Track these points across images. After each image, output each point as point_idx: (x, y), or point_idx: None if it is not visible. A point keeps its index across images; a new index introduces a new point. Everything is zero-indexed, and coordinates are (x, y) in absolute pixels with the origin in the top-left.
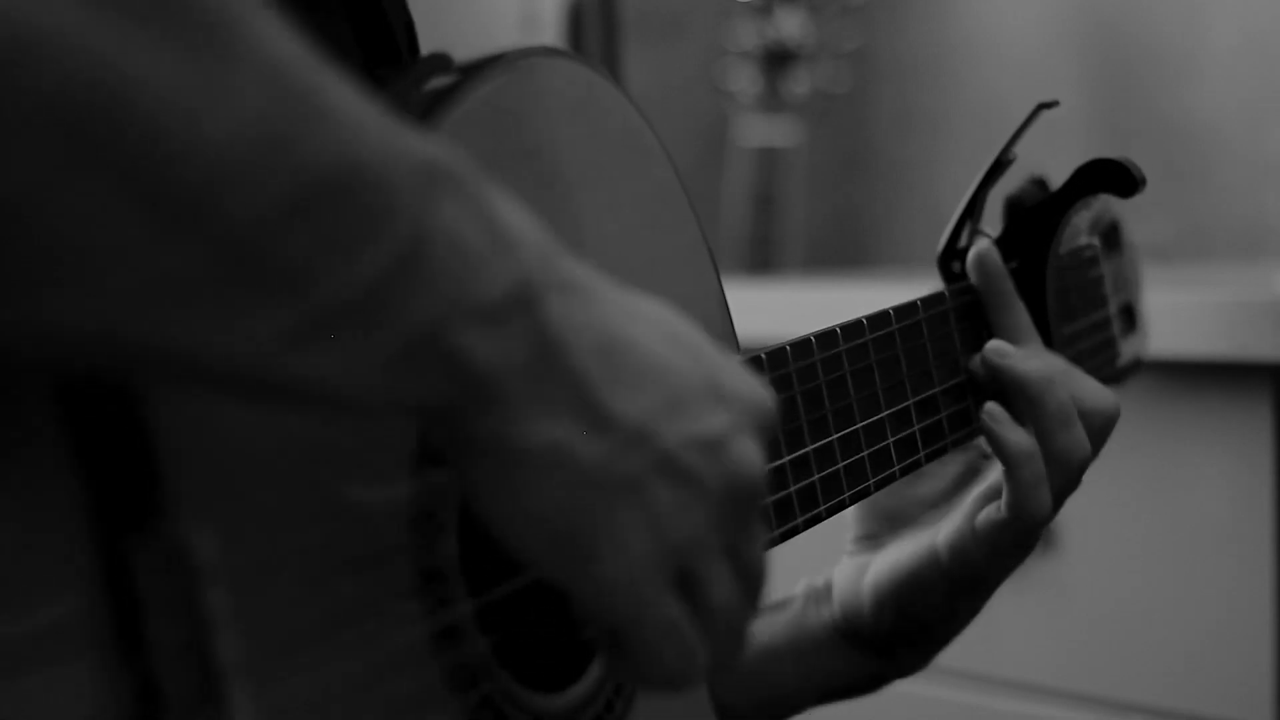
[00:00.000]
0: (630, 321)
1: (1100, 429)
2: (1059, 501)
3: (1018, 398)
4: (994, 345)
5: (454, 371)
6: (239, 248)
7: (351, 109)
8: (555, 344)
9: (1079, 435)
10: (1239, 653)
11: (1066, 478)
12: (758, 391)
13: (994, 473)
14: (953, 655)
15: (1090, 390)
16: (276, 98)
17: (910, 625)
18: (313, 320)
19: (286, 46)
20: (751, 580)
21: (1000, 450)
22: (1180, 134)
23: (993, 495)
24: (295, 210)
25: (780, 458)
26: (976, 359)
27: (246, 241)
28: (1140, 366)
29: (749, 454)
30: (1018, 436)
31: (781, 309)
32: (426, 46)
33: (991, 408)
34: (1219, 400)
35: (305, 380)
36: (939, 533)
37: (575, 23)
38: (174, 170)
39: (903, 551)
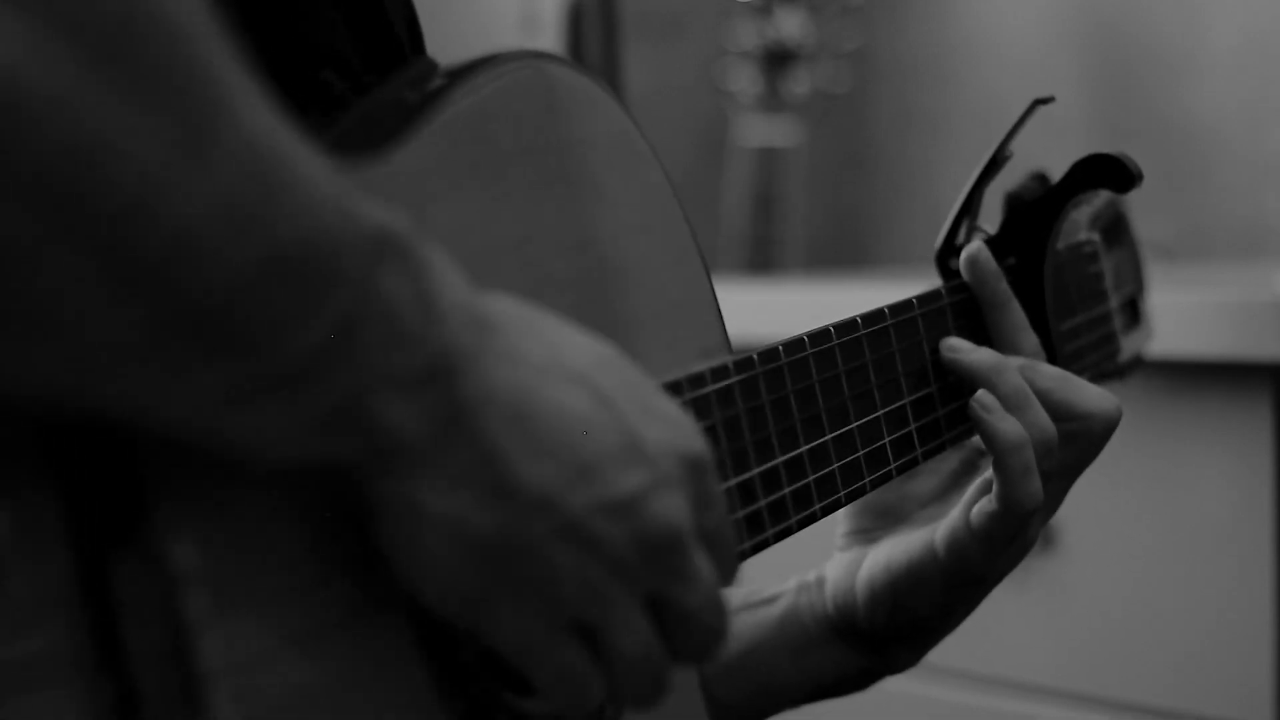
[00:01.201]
0: (551, 385)
1: (1100, 433)
2: (1052, 489)
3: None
4: (945, 342)
5: (368, 435)
6: (190, 316)
7: (312, 179)
8: (468, 416)
9: (1039, 418)
10: (1239, 653)
11: (1045, 463)
12: (686, 438)
13: (989, 467)
14: (953, 655)
15: (1088, 395)
16: (248, 175)
17: (905, 621)
18: (249, 385)
19: (264, 119)
20: (686, 620)
21: (989, 439)
22: (1180, 134)
23: (987, 489)
24: (253, 281)
25: (774, 459)
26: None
27: (198, 311)
28: (1143, 362)
29: (666, 510)
30: (1007, 425)
31: (781, 309)
32: (427, 47)
33: (982, 396)
34: (1219, 400)
35: (237, 437)
36: (937, 529)
37: (575, 23)
38: (143, 241)
39: (899, 547)
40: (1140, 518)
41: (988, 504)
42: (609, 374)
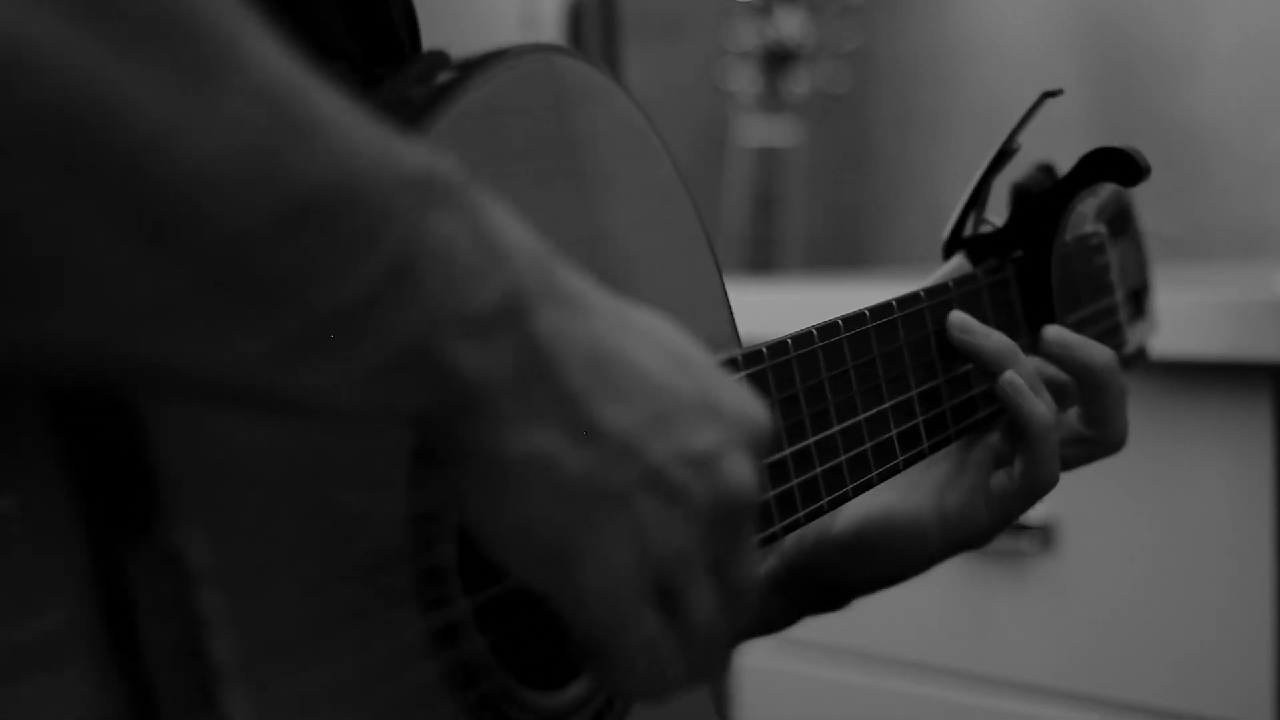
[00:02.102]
0: (624, 335)
1: (1117, 386)
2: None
3: (1019, 429)
4: (954, 320)
5: (441, 383)
6: (226, 265)
7: (344, 123)
8: (545, 356)
9: (1047, 403)
10: (1239, 653)
11: (1036, 499)
12: (753, 409)
13: (993, 438)
14: (953, 655)
15: (1096, 351)
16: (266, 114)
17: (878, 574)
18: (301, 336)
19: (279, 62)
20: (737, 598)
21: (1022, 421)
22: (1180, 134)
23: (1002, 461)
24: (284, 227)
25: (780, 451)
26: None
27: (234, 259)
28: (1148, 354)
29: (740, 471)
30: (1041, 409)
31: (781, 309)
32: (427, 46)
33: (1011, 378)
34: (1219, 400)
35: (294, 393)
36: (945, 494)
37: (575, 23)
38: (161, 189)
39: (904, 504)
40: (1140, 518)
41: (1008, 480)
42: (678, 338)
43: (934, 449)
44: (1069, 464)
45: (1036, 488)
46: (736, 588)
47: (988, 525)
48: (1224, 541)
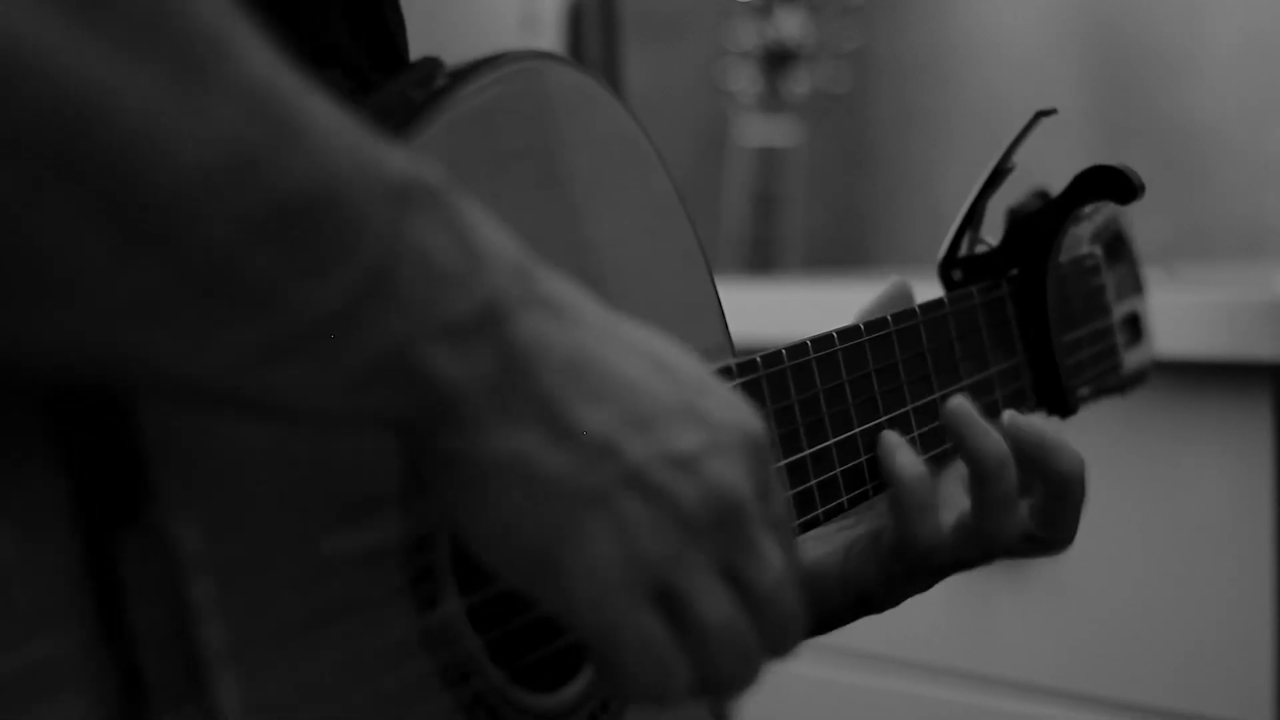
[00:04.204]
0: (604, 341)
1: (1078, 492)
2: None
3: (971, 466)
4: (957, 406)
5: (420, 389)
6: (208, 267)
7: (328, 127)
8: (522, 361)
9: (1018, 520)
10: (1239, 653)
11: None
12: (742, 414)
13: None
14: (952, 655)
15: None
16: (252, 119)
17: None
18: (281, 339)
19: (267, 64)
20: (765, 602)
21: (973, 453)
22: (1180, 134)
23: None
24: (265, 231)
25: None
26: (953, 402)
27: (216, 261)
28: (1145, 377)
29: (729, 472)
30: (992, 440)
31: (781, 309)
32: (426, 47)
33: (958, 403)
34: (1219, 400)
35: (273, 396)
36: (849, 556)
37: (575, 23)
38: (146, 190)
39: (808, 553)
40: (1140, 518)
41: (889, 533)
42: (664, 344)
43: (931, 463)
44: (1012, 555)
45: (990, 540)
46: (760, 590)
47: (883, 598)
48: (1224, 541)
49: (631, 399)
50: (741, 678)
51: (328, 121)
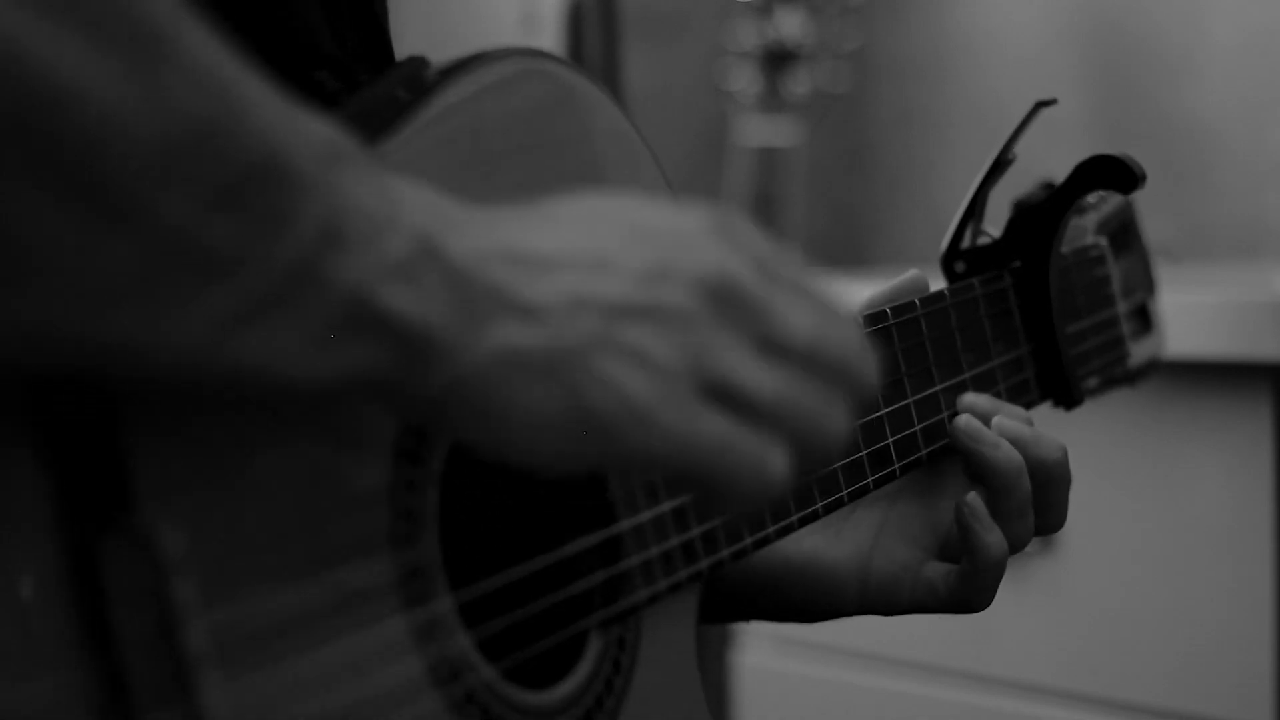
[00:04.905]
0: (528, 225)
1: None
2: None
3: (986, 478)
4: (967, 424)
5: (391, 331)
6: (170, 241)
7: (266, 101)
8: (466, 273)
9: (1029, 526)
10: (1239, 653)
11: (1011, 554)
12: (694, 212)
13: (949, 530)
14: (953, 655)
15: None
16: (204, 97)
17: (774, 608)
18: (247, 303)
19: (213, 50)
20: (813, 352)
21: (975, 549)
22: (1180, 134)
23: (937, 547)
24: (221, 200)
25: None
26: (961, 420)
27: (177, 234)
28: (1154, 368)
29: (702, 259)
30: (995, 539)
31: None
32: (426, 46)
33: (974, 501)
34: (1219, 400)
35: (248, 363)
36: (873, 559)
37: (575, 23)
38: (112, 170)
39: (824, 551)
40: (1140, 518)
41: (942, 586)
42: (590, 201)
43: (932, 457)
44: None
45: (965, 606)
46: (799, 343)
47: (905, 607)
48: (1224, 541)
49: (576, 255)
50: (828, 432)
51: (265, 96)
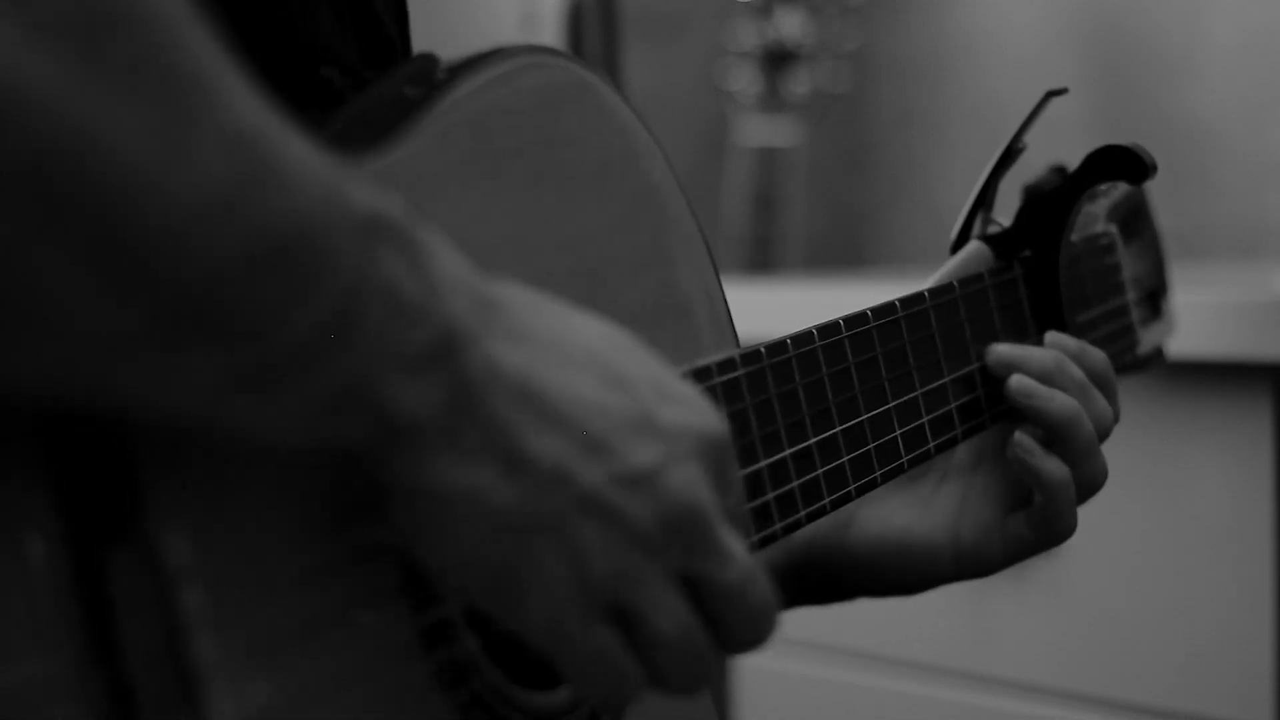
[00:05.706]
0: (554, 362)
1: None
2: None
3: (1048, 429)
4: (1018, 384)
5: (374, 416)
6: (184, 305)
7: (304, 166)
8: (474, 390)
9: (1101, 463)
10: (1239, 653)
11: (1087, 498)
12: (703, 419)
13: (1014, 476)
14: (953, 655)
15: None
16: (235, 161)
17: (873, 585)
18: (253, 370)
19: (251, 107)
20: (732, 597)
21: (1037, 481)
22: (1180, 134)
23: (1019, 502)
24: (244, 267)
25: (782, 451)
26: (1012, 381)
27: (192, 299)
28: (1164, 355)
29: (684, 482)
30: (1052, 465)
31: (781, 309)
32: (426, 46)
33: (1021, 438)
34: (1219, 400)
35: (238, 425)
36: (961, 525)
37: (575, 23)
38: (133, 229)
39: (924, 521)
40: (1140, 518)
41: (1023, 527)
42: (620, 355)
43: (939, 450)
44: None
45: (1052, 539)
46: (725, 587)
47: (1000, 563)
48: (1224, 541)
49: (583, 423)
50: (696, 679)
51: (304, 161)
